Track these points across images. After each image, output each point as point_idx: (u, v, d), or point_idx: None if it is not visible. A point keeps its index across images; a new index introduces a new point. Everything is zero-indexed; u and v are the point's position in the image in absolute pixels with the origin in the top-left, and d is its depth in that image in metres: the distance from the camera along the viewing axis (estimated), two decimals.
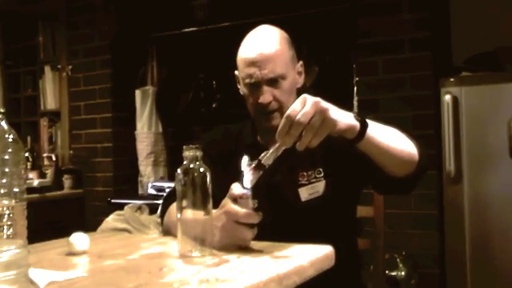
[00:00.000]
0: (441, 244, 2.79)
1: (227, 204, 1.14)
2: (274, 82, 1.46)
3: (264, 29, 1.52)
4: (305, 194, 1.45)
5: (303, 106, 1.09)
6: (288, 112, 1.10)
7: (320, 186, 1.45)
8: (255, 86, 1.47)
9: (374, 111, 2.89)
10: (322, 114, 1.09)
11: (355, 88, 3.12)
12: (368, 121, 1.21)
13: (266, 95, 1.45)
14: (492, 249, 2.61)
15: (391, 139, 1.28)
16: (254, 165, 1.13)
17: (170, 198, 1.50)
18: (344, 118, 1.16)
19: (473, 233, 2.65)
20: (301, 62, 1.56)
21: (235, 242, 1.15)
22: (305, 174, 1.46)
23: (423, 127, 2.87)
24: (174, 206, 1.46)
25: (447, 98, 2.68)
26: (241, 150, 1.54)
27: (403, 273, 2.81)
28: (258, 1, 3.40)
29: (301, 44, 3.31)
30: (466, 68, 2.85)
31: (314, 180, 1.45)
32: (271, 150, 1.13)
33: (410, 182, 1.35)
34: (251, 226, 1.14)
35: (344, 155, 1.37)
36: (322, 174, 1.45)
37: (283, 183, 1.47)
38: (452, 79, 2.73)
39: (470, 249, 2.64)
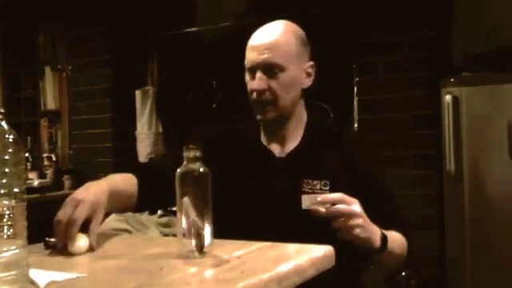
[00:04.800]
0: (441, 244, 2.79)
1: None
2: (270, 70, 1.40)
3: (276, 21, 1.48)
4: (306, 202, 1.34)
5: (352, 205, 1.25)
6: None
7: None
8: (252, 71, 1.42)
9: (374, 111, 2.89)
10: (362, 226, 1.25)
11: (355, 88, 3.12)
12: (386, 233, 1.32)
13: (259, 81, 1.39)
14: (492, 249, 2.61)
15: (397, 250, 1.39)
16: None
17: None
18: (371, 236, 1.28)
19: (473, 233, 2.65)
20: (311, 63, 1.50)
21: None
22: (310, 181, 1.40)
23: (423, 127, 2.87)
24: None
25: (447, 98, 2.68)
26: (243, 151, 1.52)
27: (403, 273, 2.80)
28: (258, 1, 3.40)
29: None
30: (466, 68, 2.85)
31: (319, 191, 1.37)
32: None
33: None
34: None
35: (361, 183, 1.40)
36: (328, 188, 1.39)
37: (286, 187, 1.42)
38: (452, 79, 2.73)
39: (469, 249, 2.64)
